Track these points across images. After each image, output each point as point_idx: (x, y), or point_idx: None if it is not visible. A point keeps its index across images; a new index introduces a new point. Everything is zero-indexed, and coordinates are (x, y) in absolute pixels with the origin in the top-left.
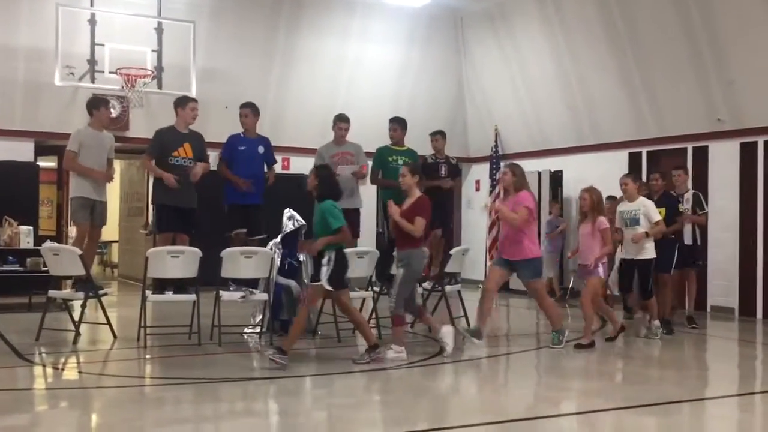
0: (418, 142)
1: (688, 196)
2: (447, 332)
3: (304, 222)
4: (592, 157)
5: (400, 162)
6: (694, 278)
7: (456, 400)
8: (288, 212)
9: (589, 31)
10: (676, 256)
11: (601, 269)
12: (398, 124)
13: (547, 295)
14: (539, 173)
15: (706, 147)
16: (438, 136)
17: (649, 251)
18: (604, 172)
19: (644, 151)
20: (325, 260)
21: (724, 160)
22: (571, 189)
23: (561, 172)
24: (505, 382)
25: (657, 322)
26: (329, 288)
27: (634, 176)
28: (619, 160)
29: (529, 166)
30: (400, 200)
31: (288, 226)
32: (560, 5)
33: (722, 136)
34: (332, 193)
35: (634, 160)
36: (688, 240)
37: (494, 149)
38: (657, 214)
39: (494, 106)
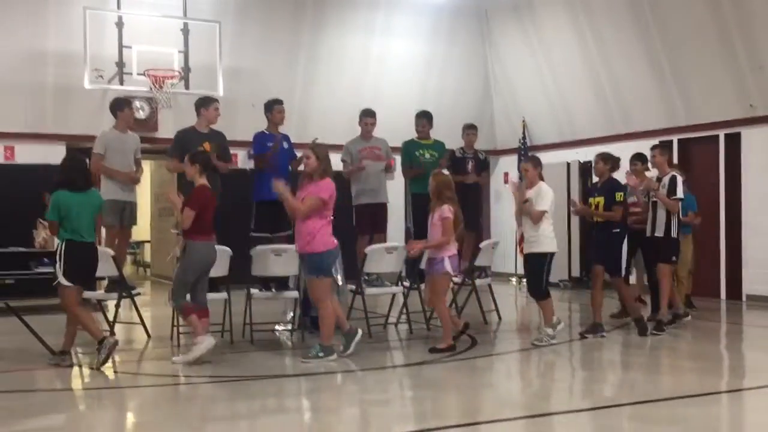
0: (445, 135)
1: (666, 180)
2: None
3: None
4: (622, 146)
5: (427, 155)
6: (669, 275)
7: (488, 394)
8: None
9: (616, 19)
10: (636, 253)
11: (447, 263)
12: (425, 118)
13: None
14: (568, 164)
15: (739, 134)
16: (473, 130)
17: (540, 244)
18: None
19: (675, 139)
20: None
21: (758, 146)
22: None
23: (590, 162)
24: (527, 375)
25: (549, 330)
26: (65, 283)
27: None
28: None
29: (557, 156)
30: (422, 191)
31: None
32: None
33: (755, 122)
34: (69, 183)
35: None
36: (659, 232)
37: (522, 141)
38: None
39: (521, 98)
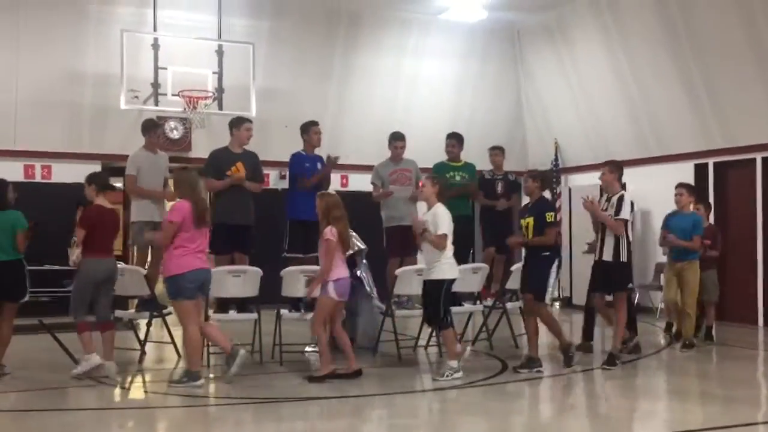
0: (477, 156)
1: (614, 200)
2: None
3: (364, 246)
4: (656, 169)
5: (458, 177)
6: (623, 305)
7: (517, 420)
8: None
9: (650, 40)
10: (559, 280)
11: (331, 288)
12: (456, 140)
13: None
14: (601, 187)
15: None
16: (497, 151)
17: (439, 271)
18: (669, 185)
19: (711, 162)
20: None
21: None
22: (635, 202)
23: (624, 185)
24: (564, 403)
25: (453, 363)
26: None
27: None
28: (685, 172)
29: (590, 179)
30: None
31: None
32: (619, 15)
33: None
34: None
35: (700, 172)
36: (607, 256)
37: (554, 163)
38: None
39: (553, 119)
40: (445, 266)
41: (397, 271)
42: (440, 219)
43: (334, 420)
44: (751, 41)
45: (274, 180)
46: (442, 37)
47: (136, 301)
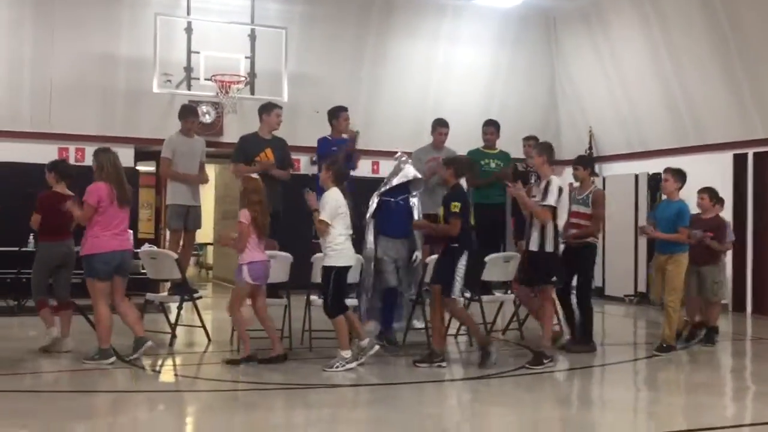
0: (509, 145)
1: (542, 185)
2: None
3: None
4: (694, 158)
5: (493, 165)
6: (549, 297)
7: (546, 412)
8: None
9: (690, 26)
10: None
11: (245, 271)
12: (494, 127)
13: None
14: (636, 176)
15: None
16: (531, 141)
17: (327, 257)
18: (707, 175)
19: (750, 152)
20: None
21: None
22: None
23: (659, 174)
24: (598, 395)
25: (344, 353)
26: None
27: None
28: (723, 162)
29: (625, 168)
30: (486, 200)
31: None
32: (658, 2)
33: None
34: None
35: (739, 162)
36: (533, 246)
37: (588, 151)
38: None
39: (588, 107)
40: (333, 253)
41: (428, 259)
42: (324, 204)
43: (362, 408)
44: None
45: (305, 165)
46: (476, 23)
47: (168, 284)
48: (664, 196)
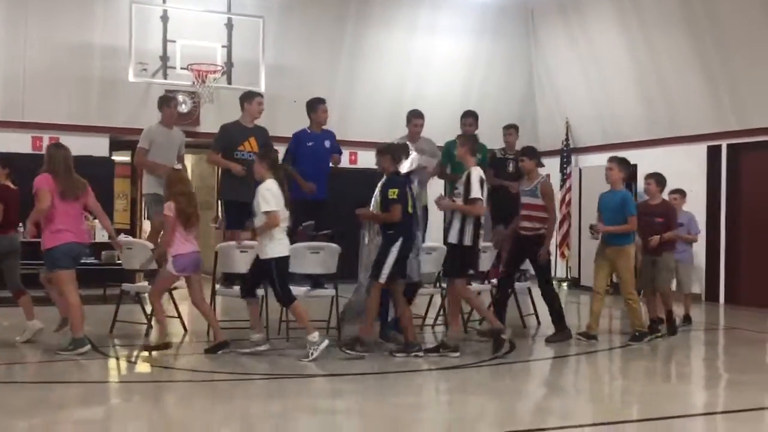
0: (488, 135)
1: (463, 177)
2: None
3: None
4: (669, 150)
5: None
6: (463, 290)
7: (523, 401)
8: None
9: (666, 19)
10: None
11: (170, 262)
12: (473, 118)
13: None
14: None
15: None
16: (512, 129)
17: (267, 249)
18: (682, 166)
19: (724, 144)
20: None
21: None
22: None
23: (635, 166)
24: (565, 383)
25: (312, 336)
26: None
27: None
28: (698, 154)
29: (601, 159)
30: None
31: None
32: None
33: None
34: None
35: (712, 154)
36: (452, 238)
37: (565, 142)
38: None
39: (565, 99)
40: (270, 244)
41: None
42: (265, 196)
43: (337, 398)
44: None
45: (282, 156)
46: (454, 15)
47: (142, 274)
48: (608, 186)
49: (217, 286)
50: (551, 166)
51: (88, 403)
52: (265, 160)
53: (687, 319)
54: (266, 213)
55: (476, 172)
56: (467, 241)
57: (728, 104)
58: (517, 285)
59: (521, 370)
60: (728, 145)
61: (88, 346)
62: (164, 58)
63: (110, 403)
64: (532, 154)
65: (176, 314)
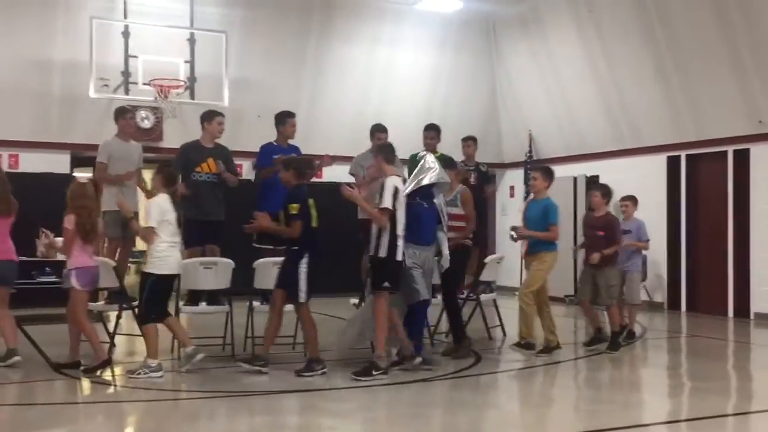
0: (452, 148)
1: (379, 187)
2: None
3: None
4: (630, 161)
5: None
6: (382, 305)
7: (491, 413)
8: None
9: (625, 33)
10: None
11: (73, 277)
12: (434, 131)
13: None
14: (575, 178)
15: (747, 150)
16: (470, 141)
17: (148, 264)
18: (642, 176)
19: (683, 154)
20: None
21: (766, 163)
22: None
23: (597, 176)
24: (535, 395)
25: (151, 361)
26: None
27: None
28: (658, 164)
29: (564, 170)
30: None
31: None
32: (594, 7)
33: (764, 139)
34: None
35: (672, 164)
36: (371, 250)
37: (528, 155)
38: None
39: (528, 111)
40: (153, 260)
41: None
42: (150, 210)
43: (306, 414)
44: (724, 36)
45: (247, 171)
46: (417, 28)
47: (105, 293)
48: (531, 195)
49: (181, 304)
50: (515, 179)
51: (51, 426)
52: (161, 174)
53: (630, 334)
54: (145, 228)
55: (390, 182)
56: (382, 252)
57: (686, 115)
58: (483, 297)
59: (487, 383)
60: (687, 156)
61: (18, 358)
62: (126, 73)
63: (71, 424)
64: (451, 164)
65: (140, 332)
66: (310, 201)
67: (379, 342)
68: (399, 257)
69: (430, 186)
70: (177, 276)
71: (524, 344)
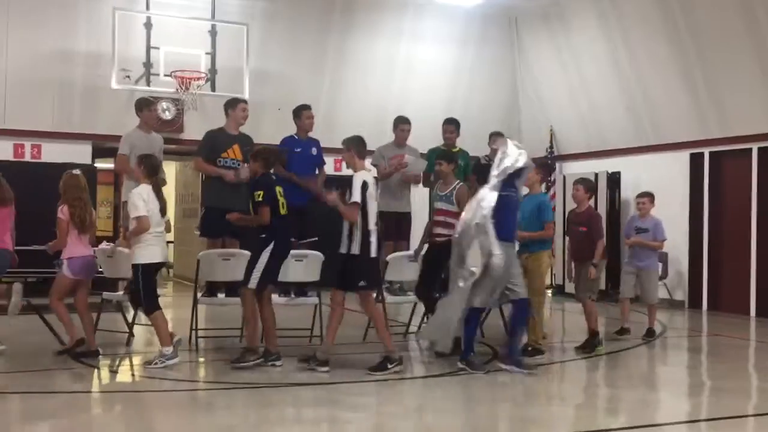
0: (471, 142)
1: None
2: None
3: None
4: (652, 157)
5: None
6: (369, 303)
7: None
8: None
9: (648, 28)
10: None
11: (65, 266)
12: (453, 125)
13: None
14: (596, 174)
15: None
16: (495, 137)
17: (135, 255)
18: (664, 174)
19: (706, 151)
20: None
21: None
22: (629, 191)
23: (619, 173)
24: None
25: (166, 349)
26: None
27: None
28: (680, 161)
29: (585, 167)
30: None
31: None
32: (617, 2)
33: None
34: None
35: (695, 161)
36: (343, 247)
37: (549, 150)
38: None
39: (549, 107)
40: (137, 250)
41: (388, 257)
42: (134, 201)
43: (322, 407)
44: (749, 31)
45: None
46: (439, 22)
47: (125, 283)
48: (525, 190)
49: (199, 295)
50: None
51: (68, 415)
52: (143, 165)
53: (649, 332)
54: (136, 218)
55: (359, 176)
56: (355, 249)
57: (710, 112)
58: None
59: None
60: (710, 153)
61: (3, 347)
62: (147, 64)
63: (89, 413)
64: (450, 157)
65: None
66: (278, 189)
67: (385, 340)
68: (373, 253)
69: (515, 173)
70: (162, 265)
71: (531, 350)
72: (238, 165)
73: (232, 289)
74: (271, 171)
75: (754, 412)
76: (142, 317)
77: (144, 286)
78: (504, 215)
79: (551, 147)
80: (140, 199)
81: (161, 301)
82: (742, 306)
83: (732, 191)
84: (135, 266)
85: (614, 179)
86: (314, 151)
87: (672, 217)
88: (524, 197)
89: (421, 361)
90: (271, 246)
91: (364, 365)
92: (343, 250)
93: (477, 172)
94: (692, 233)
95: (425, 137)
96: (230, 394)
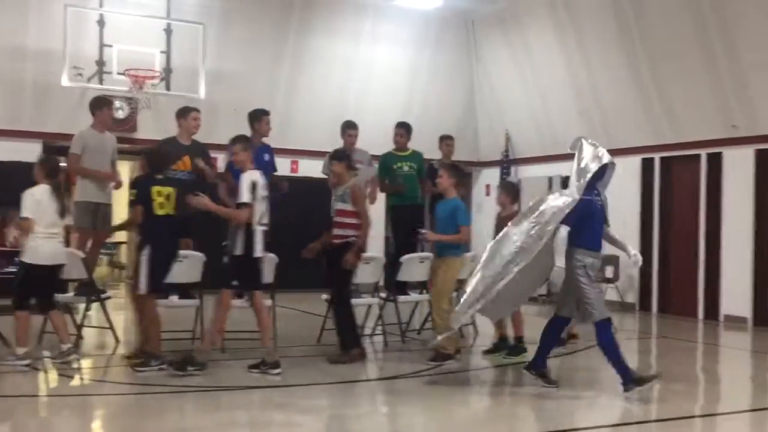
0: (429, 146)
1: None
2: None
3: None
4: None
5: (405, 168)
6: (261, 303)
7: (461, 411)
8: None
9: (602, 35)
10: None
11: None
12: (404, 129)
13: None
14: (550, 178)
15: (720, 153)
16: (448, 140)
17: (24, 252)
18: (617, 178)
19: (657, 157)
20: None
21: (739, 167)
22: None
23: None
24: (499, 394)
25: (21, 349)
26: None
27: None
28: (632, 166)
29: (540, 170)
30: (406, 205)
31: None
32: (573, 9)
33: (737, 143)
34: None
35: (646, 166)
36: (238, 250)
37: (505, 154)
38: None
39: (505, 110)
40: (25, 249)
41: (402, 259)
42: (23, 202)
43: (272, 410)
44: (699, 42)
45: (222, 165)
46: (397, 24)
47: (75, 284)
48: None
49: None
50: (491, 177)
51: (13, 418)
52: (44, 166)
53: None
54: (21, 219)
55: (247, 176)
56: (238, 250)
57: (662, 117)
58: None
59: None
60: (661, 158)
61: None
62: (100, 62)
63: (36, 417)
64: (341, 156)
65: (108, 325)
66: (159, 189)
67: (265, 339)
68: (258, 253)
69: (596, 175)
70: (57, 267)
71: (440, 356)
72: (189, 176)
73: (184, 290)
74: (160, 174)
75: (701, 413)
76: (93, 319)
77: (20, 282)
78: (585, 220)
79: (507, 151)
80: (31, 199)
81: (112, 303)
82: (690, 309)
83: (681, 196)
84: (20, 263)
85: (568, 183)
86: (266, 157)
87: (623, 221)
88: (439, 202)
89: (377, 363)
90: (148, 250)
91: (318, 369)
92: (238, 252)
93: (430, 176)
94: (643, 237)
95: (383, 140)
96: (181, 398)
